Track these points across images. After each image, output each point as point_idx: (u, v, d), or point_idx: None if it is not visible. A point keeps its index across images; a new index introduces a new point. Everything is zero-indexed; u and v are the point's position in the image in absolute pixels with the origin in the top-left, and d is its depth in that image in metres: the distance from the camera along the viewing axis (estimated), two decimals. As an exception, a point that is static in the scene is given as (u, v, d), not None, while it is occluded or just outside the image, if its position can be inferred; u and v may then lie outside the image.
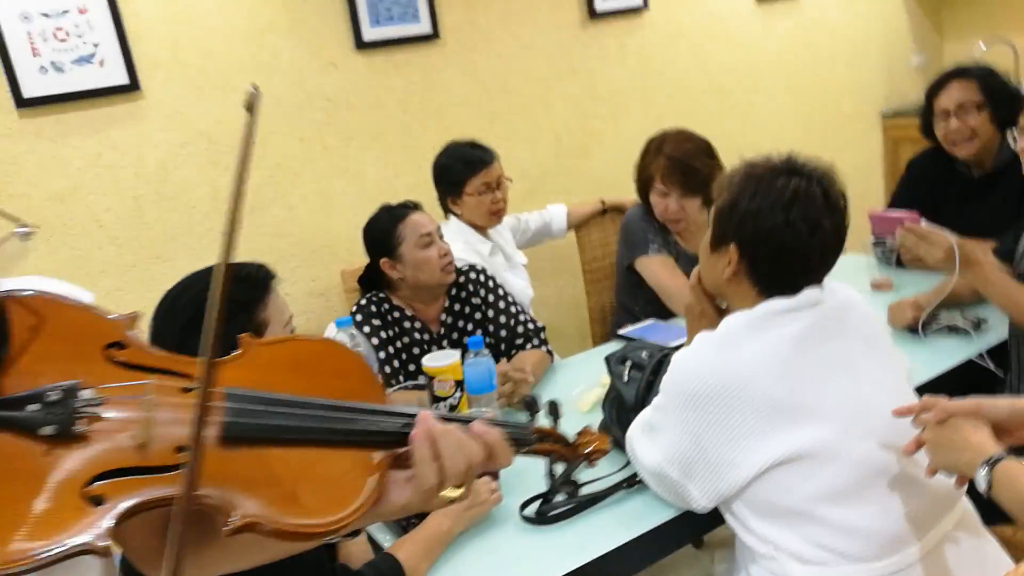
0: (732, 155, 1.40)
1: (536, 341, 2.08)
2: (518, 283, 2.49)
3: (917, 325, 1.88)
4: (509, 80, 2.97)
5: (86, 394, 0.65)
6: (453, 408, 1.64)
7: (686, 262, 2.31)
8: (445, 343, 2.07)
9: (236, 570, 0.90)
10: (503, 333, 2.10)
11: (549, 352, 2.09)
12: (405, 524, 1.41)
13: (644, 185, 2.34)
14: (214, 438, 0.69)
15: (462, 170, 2.37)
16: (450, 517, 1.37)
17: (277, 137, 2.55)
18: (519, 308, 2.13)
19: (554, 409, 0.88)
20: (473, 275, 2.13)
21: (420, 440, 0.72)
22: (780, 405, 1.21)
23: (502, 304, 2.11)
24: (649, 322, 2.26)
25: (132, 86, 2.27)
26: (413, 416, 0.75)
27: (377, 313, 2.00)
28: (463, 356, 1.70)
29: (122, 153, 2.31)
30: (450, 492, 0.75)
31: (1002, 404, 1.09)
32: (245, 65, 2.47)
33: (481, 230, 2.44)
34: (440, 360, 1.64)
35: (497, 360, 2.01)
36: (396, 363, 1.97)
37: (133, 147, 2.32)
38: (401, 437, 0.74)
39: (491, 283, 2.14)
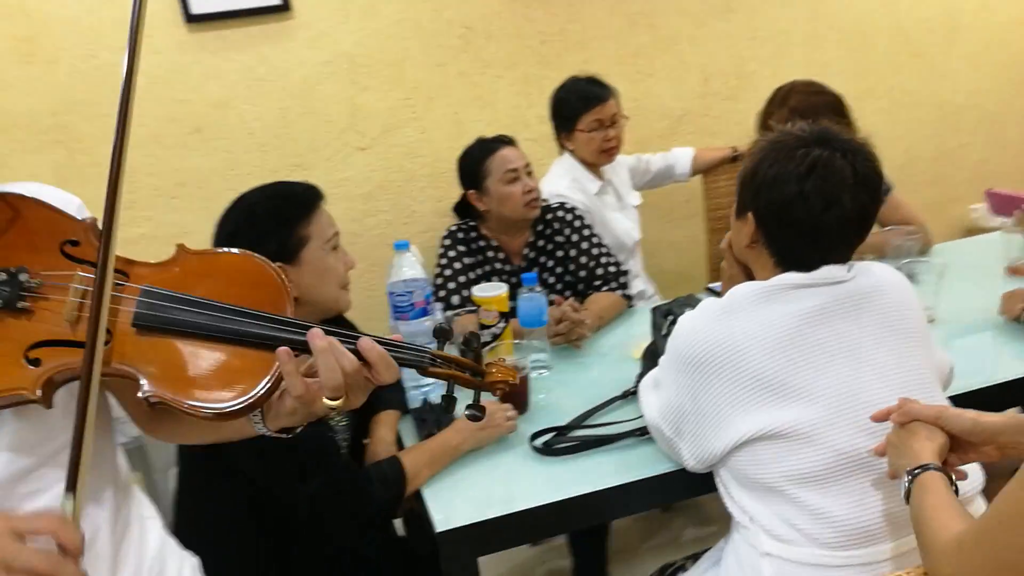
0: (914, 110, 1.28)
1: (614, 284, 2.10)
2: (624, 224, 2.49)
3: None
4: (657, 14, 2.88)
5: (25, 277, 0.80)
6: (496, 337, 1.73)
7: None
8: (524, 269, 2.14)
9: (205, 441, 1.06)
10: (582, 273, 2.13)
11: (627, 296, 2.10)
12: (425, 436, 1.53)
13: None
14: (127, 323, 0.82)
15: (575, 105, 2.38)
16: (462, 433, 1.47)
17: (415, 61, 2.68)
18: (604, 250, 2.15)
19: (470, 341, 0.93)
20: (561, 213, 2.17)
21: (284, 356, 0.82)
22: (768, 381, 1.18)
23: (585, 244, 2.14)
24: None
25: (284, 7, 2.48)
26: (305, 330, 0.85)
27: (464, 240, 2.11)
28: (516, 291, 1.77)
29: (272, 68, 2.54)
30: (329, 402, 0.84)
31: (966, 416, 1.00)
32: (390, -6, 2.60)
33: (593, 168, 2.44)
34: (489, 291, 1.73)
35: (578, 297, 2.07)
36: None
37: (281, 63, 2.55)
38: (292, 344, 0.84)
39: (578, 222, 2.17)
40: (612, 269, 2.13)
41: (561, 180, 2.41)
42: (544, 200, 2.22)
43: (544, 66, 2.81)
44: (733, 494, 1.25)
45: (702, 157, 2.72)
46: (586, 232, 2.16)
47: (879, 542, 1.14)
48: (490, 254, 2.11)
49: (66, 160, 2.42)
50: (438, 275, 2.07)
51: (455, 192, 2.84)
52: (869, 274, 1.26)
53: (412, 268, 1.66)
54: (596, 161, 2.43)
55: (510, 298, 1.78)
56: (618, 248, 2.44)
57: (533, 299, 1.75)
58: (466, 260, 2.08)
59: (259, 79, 2.54)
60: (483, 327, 1.73)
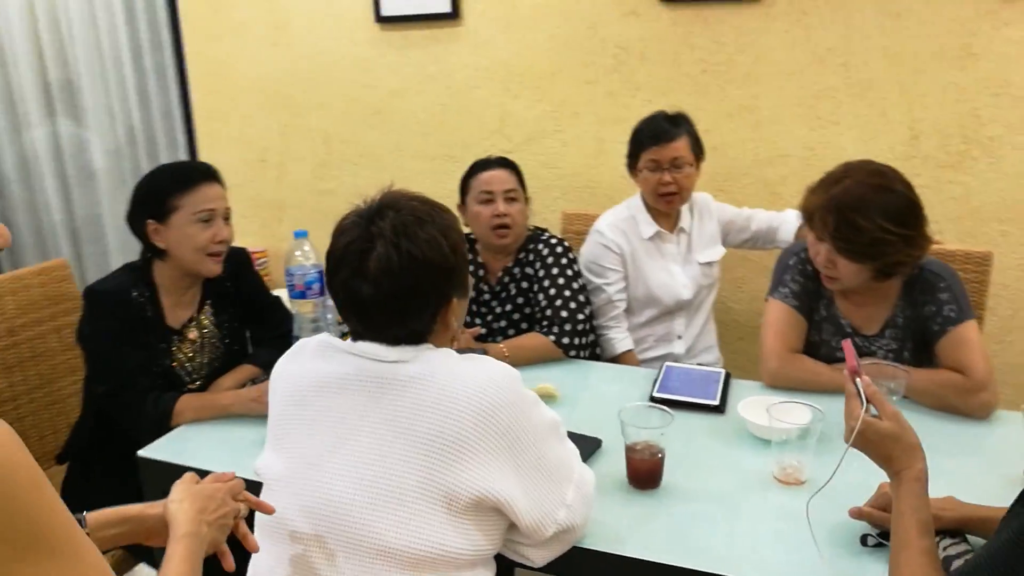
0: None
1: (555, 330, 2.02)
2: (666, 278, 2.27)
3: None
4: (854, 53, 2.44)
5: None
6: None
7: (832, 327, 1.84)
8: (496, 299, 2.18)
9: None
10: (536, 310, 2.09)
11: (562, 346, 2.01)
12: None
13: (808, 217, 1.85)
14: None
15: (638, 140, 2.26)
16: (235, 398, 1.74)
17: (565, 76, 2.75)
18: (570, 294, 2.07)
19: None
20: (543, 246, 2.14)
21: None
22: (275, 423, 1.23)
23: (552, 282, 2.09)
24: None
25: (454, 15, 2.79)
26: None
27: None
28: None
29: (440, 67, 2.88)
30: None
31: None
32: (550, 7, 2.70)
33: (655, 211, 2.29)
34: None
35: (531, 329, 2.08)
36: None
37: (448, 64, 2.87)
38: None
39: (561, 259, 2.12)
40: (563, 314, 2.04)
41: (612, 215, 2.32)
42: (540, 229, 2.20)
43: (700, 96, 2.63)
44: None
45: (815, 226, 2.28)
46: (564, 271, 2.09)
47: None
48: (472, 268, 2.19)
49: (288, 120, 3.14)
50: None
51: (585, 206, 2.87)
52: (428, 365, 1.16)
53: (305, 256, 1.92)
54: (655, 204, 2.27)
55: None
56: (648, 302, 2.27)
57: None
58: None
59: (429, 76, 2.91)
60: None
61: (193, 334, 1.89)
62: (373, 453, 1.13)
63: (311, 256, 2.03)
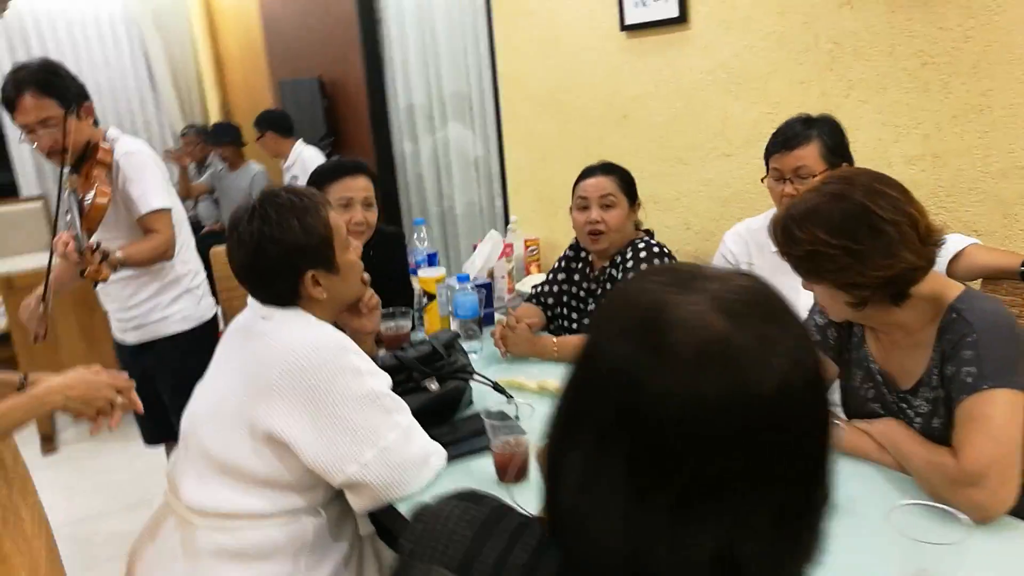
0: None
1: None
2: (797, 299, 2.04)
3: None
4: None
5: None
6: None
7: (861, 372, 1.61)
8: (592, 297, 2.27)
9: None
10: (579, 304, 2.15)
11: None
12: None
13: None
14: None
15: (768, 145, 2.08)
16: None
17: (780, 77, 2.56)
18: None
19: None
20: (634, 252, 2.15)
21: None
22: None
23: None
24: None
25: (682, 19, 2.79)
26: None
27: (574, 247, 2.39)
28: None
29: (672, 72, 2.91)
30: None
31: None
32: (767, 4, 2.54)
33: (786, 223, 2.08)
34: (432, 273, 2.19)
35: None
36: (569, 295, 2.37)
37: (678, 68, 2.88)
38: None
39: (641, 265, 2.11)
40: None
41: (745, 223, 2.18)
42: (645, 234, 2.18)
43: (920, 94, 2.23)
44: None
45: (975, 258, 1.80)
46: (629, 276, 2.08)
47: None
48: (580, 264, 2.30)
49: (559, 124, 3.47)
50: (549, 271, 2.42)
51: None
52: (276, 324, 1.46)
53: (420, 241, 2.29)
54: (781, 215, 2.06)
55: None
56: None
57: (466, 295, 2.11)
58: (561, 263, 2.36)
59: (664, 80, 2.96)
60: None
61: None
62: (220, 383, 1.49)
63: (425, 240, 2.38)
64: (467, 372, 1.75)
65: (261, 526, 1.43)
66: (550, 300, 2.40)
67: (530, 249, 3.60)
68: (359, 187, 2.29)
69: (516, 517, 0.74)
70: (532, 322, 2.17)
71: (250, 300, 1.57)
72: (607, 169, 2.27)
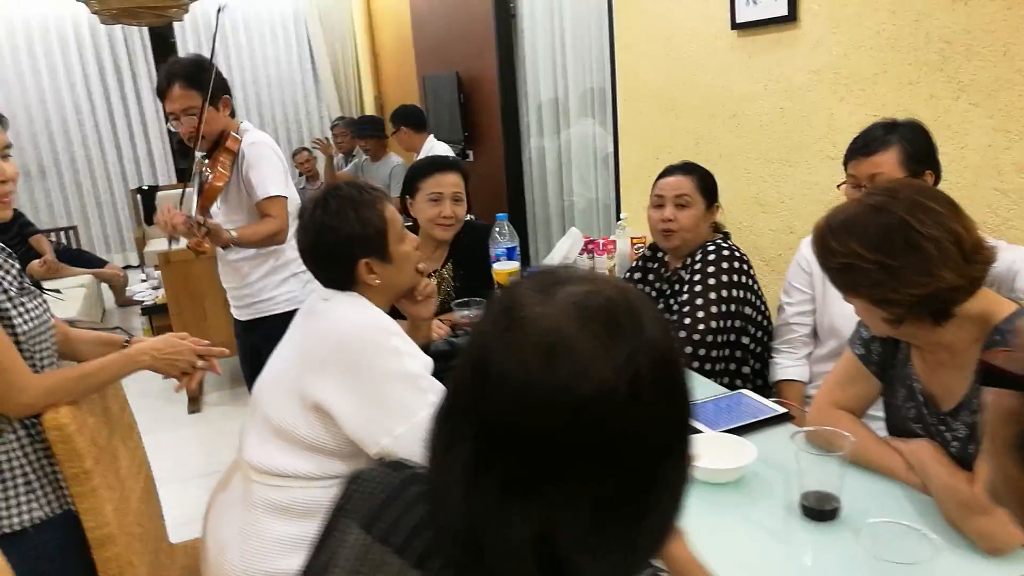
0: None
1: None
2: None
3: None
4: None
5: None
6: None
7: (904, 391, 1.56)
8: (662, 297, 2.27)
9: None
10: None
11: None
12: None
13: None
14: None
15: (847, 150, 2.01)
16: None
17: (888, 78, 2.44)
18: (700, 305, 2.09)
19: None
20: (704, 254, 2.16)
21: None
22: None
23: (687, 288, 2.12)
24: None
25: (792, 17, 2.71)
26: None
27: (652, 246, 2.41)
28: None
29: (781, 71, 2.83)
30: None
31: None
32: (880, 3, 2.42)
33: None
34: (505, 266, 2.27)
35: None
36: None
37: (786, 67, 2.80)
38: None
39: (708, 268, 2.18)
40: (686, 320, 2.03)
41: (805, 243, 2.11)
42: (721, 237, 2.17)
43: (1039, 99, 2.07)
44: None
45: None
46: (706, 280, 2.07)
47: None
48: (655, 264, 2.32)
49: (671, 121, 3.44)
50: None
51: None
52: (332, 305, 1.61)
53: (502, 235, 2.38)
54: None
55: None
56: (831, 332, 2.02)
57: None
58: (637, 263, 2.40)
59: (772, 80, 2.88)
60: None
61: (433, 281, 2.55)
62: (283, 355, 1.66)
63: (506, 234, 2.45)
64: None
65: (308, 487, 1.58)
66: None
67: (636, 247, 3.61)
68: (449, 183, 2.42)
69: (423, 484, 0.82)
70: None
71: (316, 283, 1.73)
72: (687, 169, 2.27)
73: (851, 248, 1.34)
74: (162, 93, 2.65)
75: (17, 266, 1.59)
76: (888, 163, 1.89)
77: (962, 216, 1.34)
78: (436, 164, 2.46)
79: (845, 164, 2.02)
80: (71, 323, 1.85)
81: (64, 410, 1.51)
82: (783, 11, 2.74)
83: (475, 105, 5.46)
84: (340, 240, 1.61)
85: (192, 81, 2.60)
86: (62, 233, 6.77)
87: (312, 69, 8.14)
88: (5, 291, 1.50)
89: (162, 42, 7.20)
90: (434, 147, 4.89)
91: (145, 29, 7.12)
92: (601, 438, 0.64)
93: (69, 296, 5.34)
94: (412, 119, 4.92)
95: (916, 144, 1.90)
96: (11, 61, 7.18)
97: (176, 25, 7.09)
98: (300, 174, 6.54)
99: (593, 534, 0.65)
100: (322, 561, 0.84)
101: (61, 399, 1.51)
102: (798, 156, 2.85)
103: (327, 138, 6.38)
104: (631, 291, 0.72)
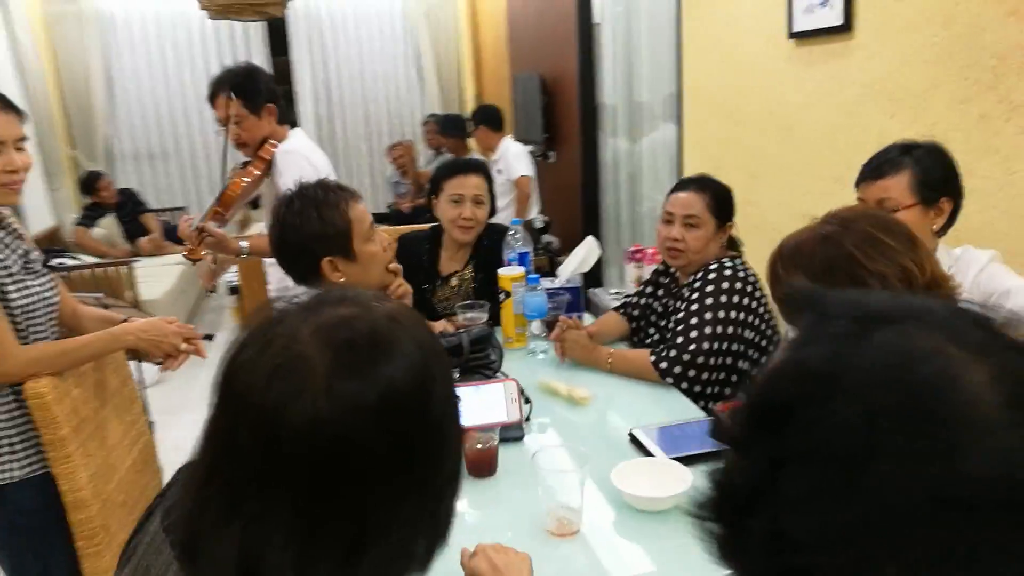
0: None
1: (660, 350, 2.03)
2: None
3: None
4: None
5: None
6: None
7: None
8: (666, 311, 2.21)
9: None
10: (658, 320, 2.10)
11: (659, 369, 2.00)
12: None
13: None
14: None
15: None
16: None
17: (939, 94, 2.27)
18: (695, 324, 2.01)
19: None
20: (704, 274, 2.08)
21: None
22: None
23: (685, 306, 2.05)
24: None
25: (846, 27, 2.56)
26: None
27: (662, 272, 2.36)
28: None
29: (834, 83, 2.67)
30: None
31: None
32: (933, 9, 2.26)
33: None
34: (510, 271, 2.26)
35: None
36: (651, 309, 2.35)
37: (839, 80, 2.64)
38: None
39: (707, 287, 2.08)
40: (679, 339, 2.03)
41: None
42: (730, 257, 2.09)
43: (1092, 123, 1.88)
44: None
45: None
46: (704, 299, 2.03)
47: None
48: (667, 280, 2.26)
49: (729, 130, 3.32)
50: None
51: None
52: None
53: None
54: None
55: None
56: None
57: (535, 295, 2.17)
58: (653, 277, 2.34)
59: (826, 92, 2.73)
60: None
61: (454, 281, 2.57)
62: None
63: (520, 240, 2.44)
64: (490, 368, 1.83)
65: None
66: (635, 312, 2.37)
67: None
68: (471, 185, 2.43)
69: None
70: (591, 330, 2.17)
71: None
72: (701, 185, 2.18)
73: (793, 278, 1.27)
74: (211, 101, 2.78)
75: (24, 246, 1.73)
76: (897, 188, 1.76)
77: (919, 250, 1.24)
78: (459, 165, 2.48)
79: (856, 185, 1.90)
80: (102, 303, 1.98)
81: (45, 380, 1.62)
82: (839, 20, 2.59)
83: (556, 107, 5.45)
84: (302, 238, 1.66)
85: (237, 90, 2.71)
86: (172, 213, 7.23)
87: (417, 66, 8.34)
88: (6, 267, 1.63)
89: (277, 36, 7.58)
90: (509, 147, 4.92)
91: (261, 24, 7.50)
92: (303, 465, 0.64)
93: (167, 273, 5.72)
94: (489, 118, 4.97)
95: (930, 169, 1.76)
96: (143, 51, 7.72)
97: (290, 19, 7.46)
98: (396, 169, 6.75)
99: (302, 565, 0.65)
100: (132, 545, 0.87)
101: (43, 370, 1.63)
102: (850, 174, 2.65)
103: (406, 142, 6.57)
104: (401, 326, 0.71)
